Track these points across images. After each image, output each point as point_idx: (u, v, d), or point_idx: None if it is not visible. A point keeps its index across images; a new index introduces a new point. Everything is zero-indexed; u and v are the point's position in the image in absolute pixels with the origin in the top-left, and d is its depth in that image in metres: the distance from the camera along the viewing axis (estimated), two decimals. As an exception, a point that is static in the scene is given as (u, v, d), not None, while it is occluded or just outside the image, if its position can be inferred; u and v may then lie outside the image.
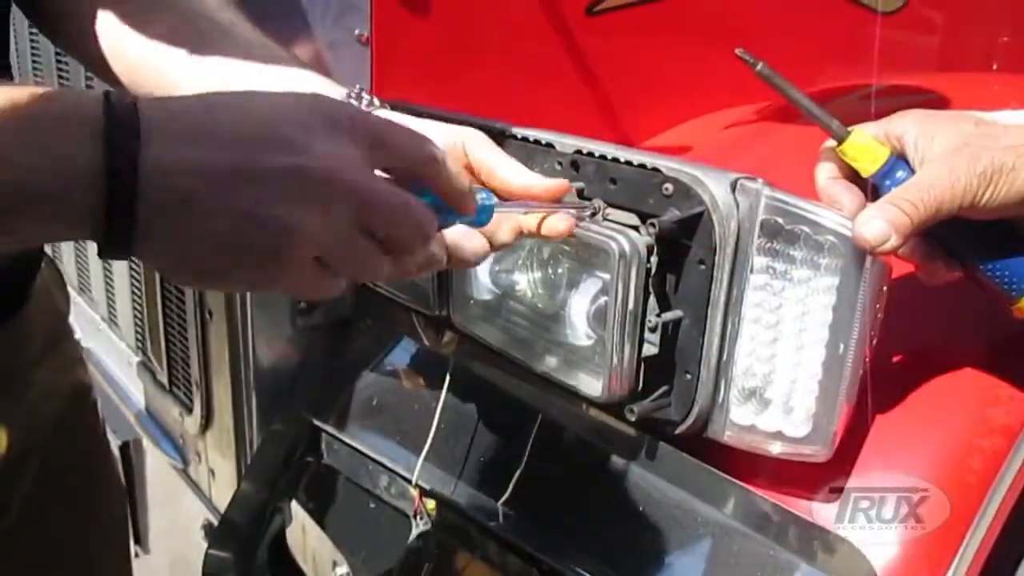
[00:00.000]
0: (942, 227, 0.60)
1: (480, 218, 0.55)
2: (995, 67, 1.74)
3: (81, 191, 0.42)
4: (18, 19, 0.95)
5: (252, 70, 0.66)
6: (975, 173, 0.58)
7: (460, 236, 0.59)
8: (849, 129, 0.63)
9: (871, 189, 0.63)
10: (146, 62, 0.68)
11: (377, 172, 0.49)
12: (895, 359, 0.73)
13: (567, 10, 1.12)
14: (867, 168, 0.63)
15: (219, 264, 0.46)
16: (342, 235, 0.46)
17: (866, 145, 0.62)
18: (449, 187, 0.51)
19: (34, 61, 1.41)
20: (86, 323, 1.54)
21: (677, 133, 1.20)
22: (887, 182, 0.62)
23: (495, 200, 0.56)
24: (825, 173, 0.66)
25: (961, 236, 0.63)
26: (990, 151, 0.58)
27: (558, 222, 0.61)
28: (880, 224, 0.58)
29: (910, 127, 0.62)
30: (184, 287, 1.13)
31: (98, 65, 0.71)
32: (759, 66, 0.65)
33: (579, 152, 0.72)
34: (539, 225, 0.61)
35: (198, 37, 0.67)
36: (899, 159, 0.62)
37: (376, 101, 0.70)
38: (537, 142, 0.75)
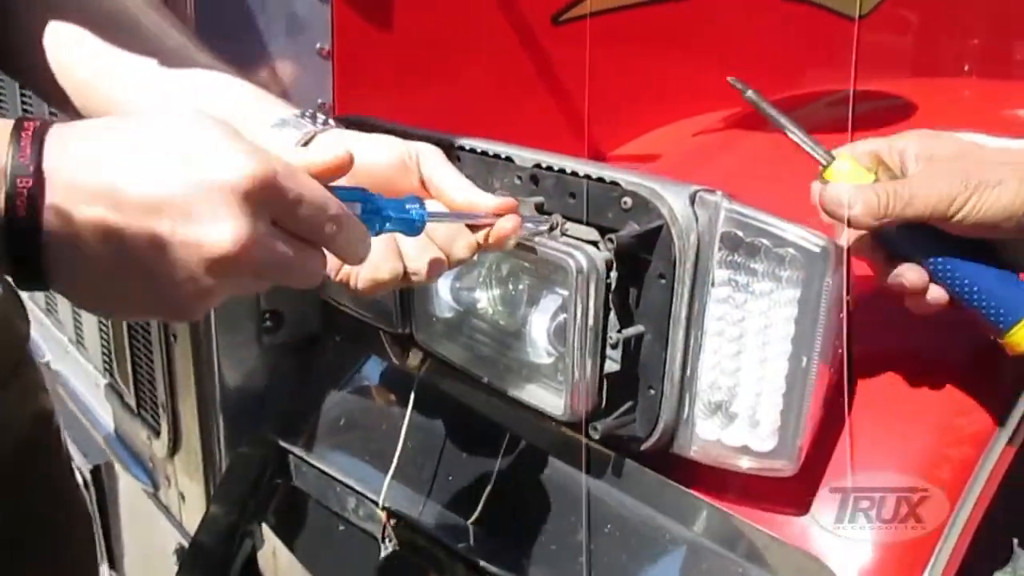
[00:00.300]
0: (928, 251, 0.62)
1: (412, 227, 0.54)
2: (967, 68, 1.75)
3: None
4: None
5: (190, 96, 0.66)
6: (959, 181, 0.58)
7: (417, 248, 0.58)
8: (833, 154, 0.65)
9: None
10: (90, 85, 0.67)
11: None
12: (861, 370, 0.72)
13: (533, 20, 1.11)
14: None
15: (130, 308, 0.48)
16: (248, 283, 0.48)
17: (849, 171, 0.64)
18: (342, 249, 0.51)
19: None
20: (54, 345, 1.52)
21: (644, 142, 1.20)
22: None
23: (427, 211, 0.55)
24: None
25: (948, 265, 0.63)
26: (980, 165, 0.59)
27: (504, 223, 0.60)
28: (848, 190, 0.61)
29: (912, 143, 0.64)
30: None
31: (47, 88, 0.70)
32: (748, 92, 0.67)
33: (538, 166, 0.71)
34: (487, 236, 0.60)
35: (133, 58, 0.66)
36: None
37: (331, 121, 0.68)
38: (497, 156, 0.74)
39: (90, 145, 0.45)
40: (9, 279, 0.45)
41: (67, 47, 0.68)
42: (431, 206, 0.57)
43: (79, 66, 0.68)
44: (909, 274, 0.63)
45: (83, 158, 0.44)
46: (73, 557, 0.96)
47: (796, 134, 0.65)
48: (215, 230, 0.44)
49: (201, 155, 0.45)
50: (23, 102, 1.29)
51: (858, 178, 0.63)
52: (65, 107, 0.70)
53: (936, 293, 0.64)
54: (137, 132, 0.46)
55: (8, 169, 0.43)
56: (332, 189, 0.50)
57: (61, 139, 0.44)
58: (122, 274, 0.45)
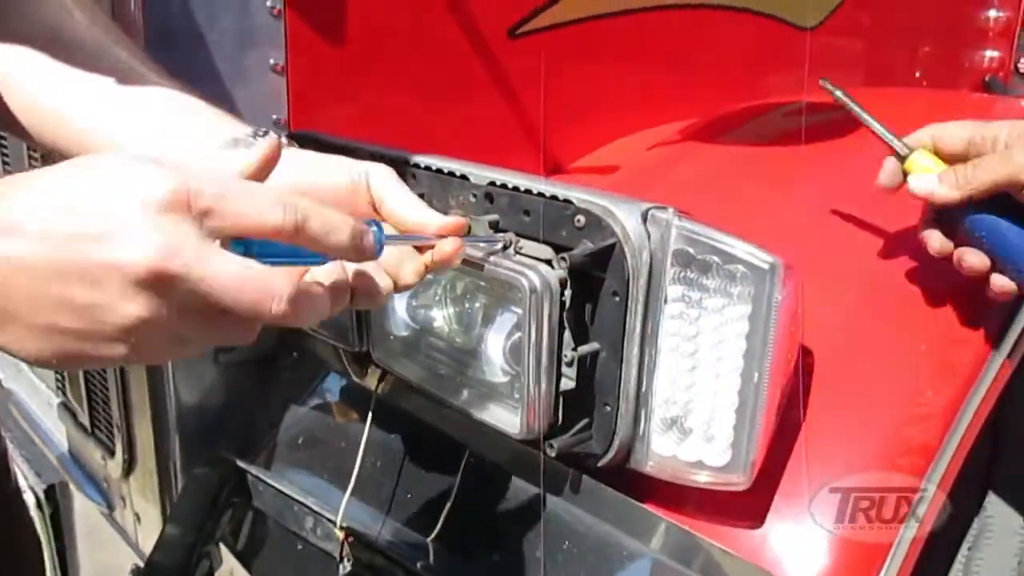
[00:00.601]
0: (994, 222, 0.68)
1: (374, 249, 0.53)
2: (918, 75, 1.78)
3: None
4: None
5: (137, 113, 0.64)
6: None
7: (365, 275, 0.57)
8: (911, 148, 0.73)
9: None
10: (37, 109, 0.66)
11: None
12: (814, 382, 0.73)
13: (489, 34, 1.11)
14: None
15: (66, 351, 0.45)
16: (180, 320, 0.45)
17: (924, 164, 0.72)
18: (317, 244, 0.48)
19: None
20: (6, 364, 1.49)
21: (603, 154, 1.21)
22: None
23: (384, 234, 0.54)
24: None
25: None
26: None
27: (444, 245, 0.59)
28: (928, 178, 0.70)
29: (1003, 129, 0.69)
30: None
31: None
32: (837, 92, 0.78)
33: (493, 184, 0.71)
34: (431, 257, 0.59)
35: (78, 74, 0.65)
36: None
37: (284, 139, 0.68)
38: (452, 174, 0.74)
39: (11, 213, 0.44)
40: None
41: (12, 70, 0.67)
42: (385, 229, 0.57)
43: (26, 90, 0.67)
44: (969, 257, 0.68)
45: (4, 226, 0.43)
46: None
47: (880, 130, 0.75)
48: (131, 248, 0.42)
49: (114, 178, 0.44)
50: None
51: (930, 168, 0.71)
52: (16, 131, 0.69)
53: (1000, 282, 0.68)
54: (49, 176, 0.45)
55: None
56: None
57: None
58: (48, 311, 0.44)
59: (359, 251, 0.50)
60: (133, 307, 0.43)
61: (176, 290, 0.43)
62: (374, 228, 0.54)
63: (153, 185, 0.43)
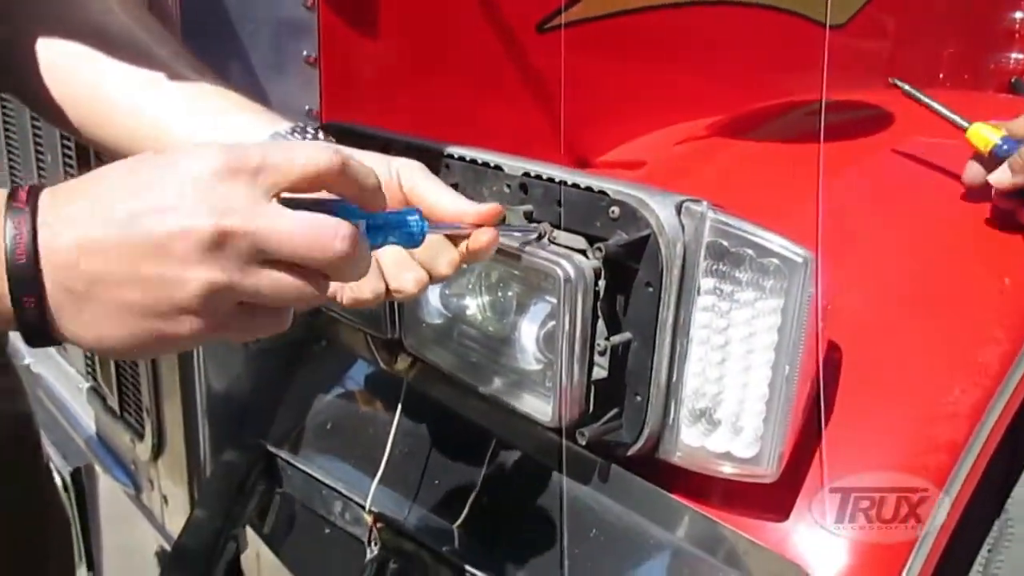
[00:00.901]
0: None
1: (413, 239, 0.55)
2: (941, 76, 1.78)
3: None
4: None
5: (183, 110, 0.66)
6: None
7: (399, 266, 0.58)
8: (970, 122, 0.87)
9: (990, 158, 0.85)
10: (86, 108, 0.68)
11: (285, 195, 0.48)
12: (843, 376, 0.74)
13: (517, 28, 1.12)
14: (984, 147, 0.86)
15: (140, 331, 0.47)
16: (249, 280, 0.46)
17: (983, 133, 0.86)
18: (357, 184, 0.50)
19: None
20: (38, 350, 1.51)
21: (629, 149, 1.21)
22: (999, 154, 0.84)
23: (427, 222, 0.56)
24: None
25: None
26: None
27: (480, 235, 0.60)
28: (1002, 170, 0.83)
29: None
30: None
31: (44, 104, 0.70)
32: (905, 86, 0.95)
33: (527, 175, 0.72)
34: (467, 247, 0.60)
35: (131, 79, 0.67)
36: (1005, 139, 0.85)
37: (320, 134, 0.69)
38: (486, 164, 0.75)
39: (78, 184, 0.47)
40: None
41: (61, 66, 0.68)
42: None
43: (75, 84, 0.68)
44: None
45: (71, 196, 0.46)
46: (49, 555, 0.96)
47: (942, 110, 0.90)
48: (195, 215, 0.45)
49: (177, 162, 0.46)
50: (34, 129, 1.28)
51: (988, 137, 0.85)
52: (65, 126, 0.70)
53: None
54: (117, 166, 0.47)
55: (5, 222, 0.45)
56: (338, 205, 0.50)
57: (53, 204, 0.46)
58: (124, 286, 0.45)
59: (378, 198, 0.51)
60: (200, 272, 0.45)
61: (237, 247, 0.45)
62: (416, 215, 0.55)
63: (204, 158, 0.46)
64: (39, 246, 0.45)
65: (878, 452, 0.72)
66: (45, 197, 0.46)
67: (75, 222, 0.45)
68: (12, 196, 0.45)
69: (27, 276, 0.44)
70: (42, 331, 0.46)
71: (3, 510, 0.84)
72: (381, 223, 0.53)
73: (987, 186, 0.85)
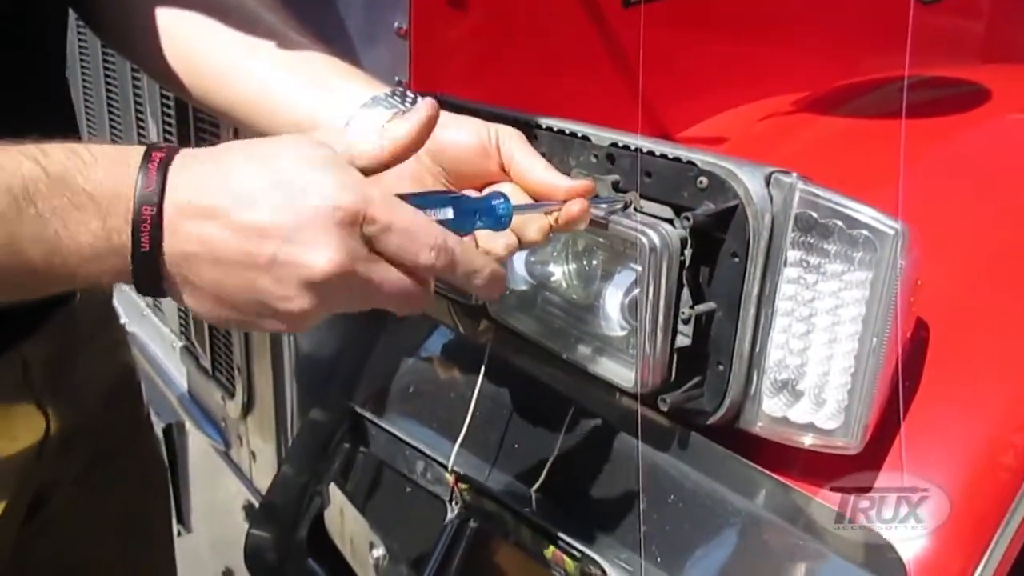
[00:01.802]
0: None
1: (500, 223, 0.58)
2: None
3: (119, 271, 0.50)
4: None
5: (289, 74, 0.70)
6: None
7: (490, 235, 0.61)
8: None
9: None
10: (197, 73, 0.72)
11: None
12: (929, 352, 0.73)
13: (604, 3, 1.12)
14: None
15: (239, 319, 0.53)
16: (344, 306, 0.53)
17: None
18: (455, 283, 0.56)
19: (107, 73, 1.44)
20: (131, 309, 1.58)
21: (712, 124, 1.21)
22: None
23: (512, 206, 0.59)
24: None
25: None
26: None
27: (572, 207, 0.62)
28: None
29: None
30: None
31: (158, 67, 0.74)
32: None
33: (615, 145, 0.73)
34: (557, 219, 0.63)
35: (251, 45, 0.71)
36: None
37: (419, 98, 0.71)
38: (573, 135, 0.76)
39: (207, 170, 0.51)
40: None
41: (176, 31, 0.72)
42: (511, 194, 0.60)
43: (189, 48, 0.72)
44: None
45: (201, 183, 0.50)
46: (149, 513, 1.02)
47: None
48: (313, 254, 0.49)
49: (305, 186, 0.50)
50: (134, 88, 1.34)
51: None
52: (176, 87, 0.74)
53: None
54: (251, 159, 0.52)
55: (135, 197, 0.49)
56: (426, 196, 0.54)
57: (184, 165, 0.50)
58: (230, 289, 0.50)
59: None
60: (302, 302, 0.50)
61: (343, 288, 0.51)
62: (502, 199, 0.58)
63: (338, 199, 0.50)
64: (163, 235, 0.49)
65: (961, 433, 0.72)
66: (174, 176, 0.50)
67: (200, 217, 0.49)
68: (143, 167, 0.49)
69: (150, 260, 0.49)
70: (158, 294, 0.52)
71: (108, 460, 0.89)
72: (471, 208, 0.56)
73: None
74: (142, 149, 0.50)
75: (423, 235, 0.52)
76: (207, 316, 0.53)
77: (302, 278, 0.49)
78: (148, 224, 0.49)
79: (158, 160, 0.50)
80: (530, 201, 0.63)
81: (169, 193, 0.49)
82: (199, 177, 0.50)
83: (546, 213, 0.63)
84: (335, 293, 0.51)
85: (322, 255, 0.49)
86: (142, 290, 0.51)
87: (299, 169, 0.51)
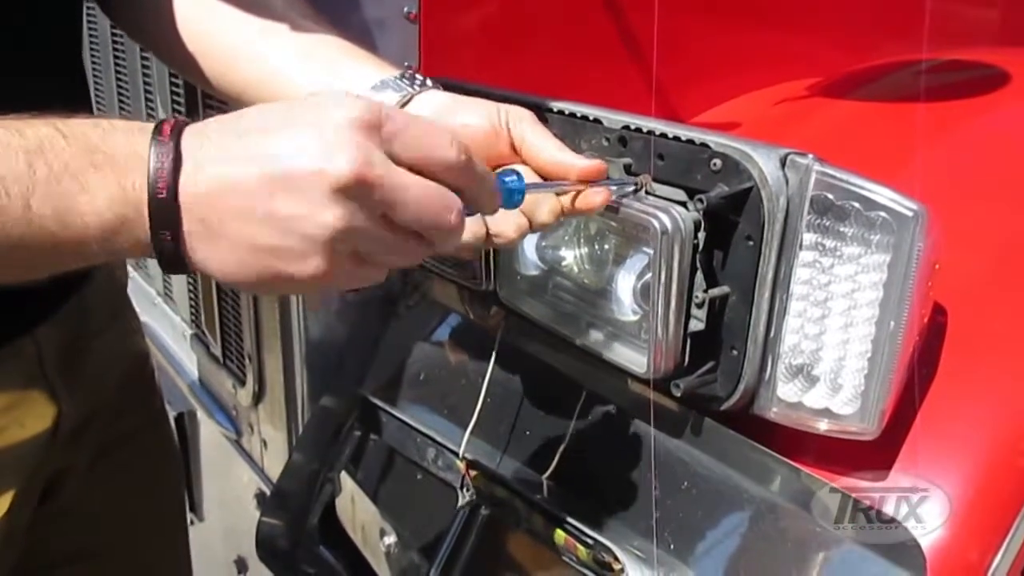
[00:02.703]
0: None
1: (513, 199, 0.56)
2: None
3: (134, 228, 0.49)
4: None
5: (299, 57, 0.68)
6: None
7: (500, 216, 0.60)
8: None
9: None
10: (202, 54, 0.71)
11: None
12: (946, 337, 0.72)
13: (616, -15, 1.11)
14: None
15: (264, 268, 0.49)
16: (371, 230, 0.49)
17: None
18: (471, 188, 0.52)
19: (117, 60, 1.44)
20: (142, 298, 1.58)
21: (725, 109, 1.19)
22: None
23: (525, 183, 0.57)
24: None
25: None
26: None
27: (593, 196, 0.61)
28: None
29: None
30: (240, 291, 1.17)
31: (169, 50, 0.74)
32: None
33: (627, 128, 0.72)
34: (573, 200, 0.61)
35: (259, 24, 0.70)
36: None
37: (428, 81, 0.70)
38: (585, 118, 0.75)
39: (223, 122, 0.50)
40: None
41: (189, 16, 0.72)
42: (524, 174, 0.59)
43: (201, 31, 0.72)
44: None
45: (216, 130, 0.49)
46: (163, 500, 1.02)
47: None
48: (335, 160, 0.47)
49: (321, 108, 0.48)
50: (143, 71, 1.34)
51: None
52: (186, 71, 0.74)
53: None
54: (268, 108, 0.50)
55: (151, 152, 0.48)
56: None
57: (199, 127, 0.49)
58: (251, 227, 0.48)
59: (492, 203, 0.55)
60: (331, 215, 0.47)
61: (370, 199, 0.47)
62: (514, 177, 0.57)
63: (350, 106, 0.48)
64: (179, 182, 0.47)
65: (979, 422, 0.70)
66: (188, 133, 0.49)
67: (215, 160, 0.48)
68: (158, 129, 0.48)
69: (166, 210, 0.47)
70: (177, 260, 0.49)
71: (121, 447, 0.90)
72: None
73: None
74: (150, 125, 0.50)
75: (442, 131, 0.50)
76: (234, 274, 0.50)
77: (326, 187, 0.46)
78: (164, 171, 0.47)
79: (172, 123, 0.49)
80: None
81: (185, 143, 0.48)
82: (214, 128, 0.50)
83: (559, 194, 0.62)
84: (366, 204, 0.47)
85: (344, 159, 0.46)
86: (162, 255, 0.49)
87: (316, 100, 0.49)
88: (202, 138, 0.49)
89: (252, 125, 0.49)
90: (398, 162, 0.49)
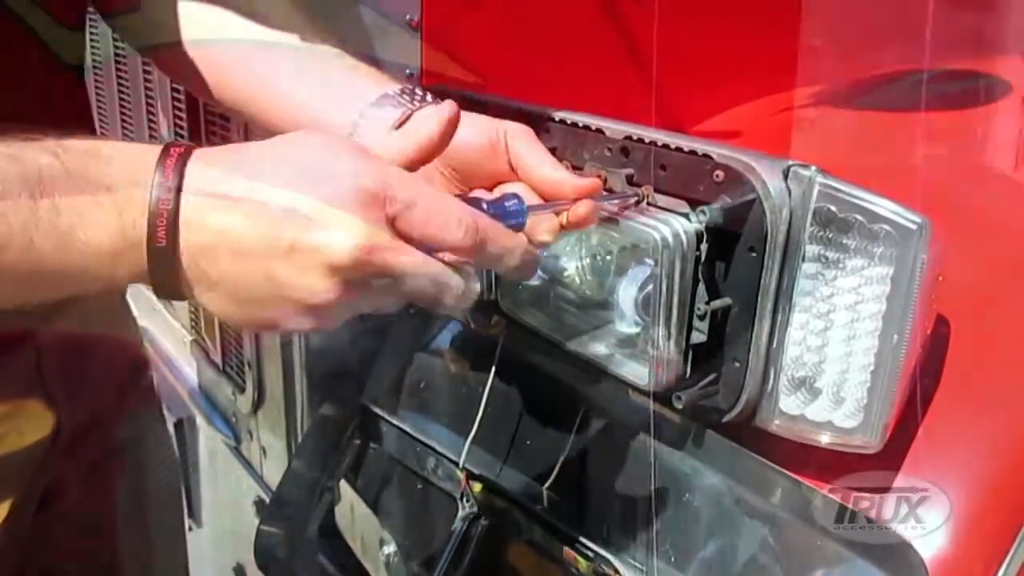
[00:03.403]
0: None
1: (518, 221, 0.57)
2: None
3: (134, 264, 0.49)
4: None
5: (298, 72, 0.69)
6: None
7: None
8: None
9: None
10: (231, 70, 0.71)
11: None
12: (949, 350, 0.72)
13: (616, -7, 1.11)
14: None
15: (262, 318, 0.51)
16: (370, 296, 0.50)
17: None
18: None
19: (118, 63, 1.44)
20: (142, 303, 1.58)
21: (727, 118, 1.19)
22: None
23: (526, 206, 0.58)
24: None
25: None
26: None
27: (579, 207, 0.61)
28: None
29: None
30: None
31: (169, 62, 0.74)
32: None
33: (629, 138, 0.72)
34: (567, 218, 0.62)
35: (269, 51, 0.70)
36: None
37: (429, 96, 0.70)
38: (587, 128, 0.75)
39: (227, 164, 0.50)
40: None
41: (187, 27, 0.72)
42: (522, 194, 0.60)
43: (201, 50, 0.72)
44: None
45: (219, 176, 0.49)
46: (161, 508, 1.01)
47: None
48: (335, 237, 0.47)
49: (326, 171, 0.49)
50: (146, 87, 1.34)
51: None
52: (186, 82, 0.74)
53: None
54: (273, 148, 0.51)
55: (152, 191, 0.47)
56: None
57: (203, 161, 0.49)
58: (249, 282, 0.48)
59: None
60: (326, 291, 0.48)
61: (369, 275, 0.48)
62: (515, 201, 0.57)
63: (361, 173, 0.48)
64: (180, 233, 0.47)
65: (982, 435, 0.70)
66: (194, 167, 0.48)
67: (219, 208, 0.48)
68: (162, 159, 0.48)
69: (166, 260, 0.48)
70: (175, 295, 0.50)
71: (120, 454, 0.89)
72: (488, 213, 0.55)
73: None
74: (160, 147, 0.49)
75: (450, 210, 0.50)
76: (227, 317, 0.51)
77: (324, 263, 0.47)
78: (164, 218, 0.47)
79: (176, 156, 0.49)
80: (539, 200, 0.62)
81: (187, 187, 0.48)
82: (218, 171, 0.49)
83: (556, 213, 0.62)
84: (360, 281, 0.49)
85: (344, 238, 0.47)
86: (159, 290, 0.50)
87: (321, 155, 0.50)
88: (209, 174, 0.48)
89: (263, 172, 0.49)
90: (403, 238, 0.49)
